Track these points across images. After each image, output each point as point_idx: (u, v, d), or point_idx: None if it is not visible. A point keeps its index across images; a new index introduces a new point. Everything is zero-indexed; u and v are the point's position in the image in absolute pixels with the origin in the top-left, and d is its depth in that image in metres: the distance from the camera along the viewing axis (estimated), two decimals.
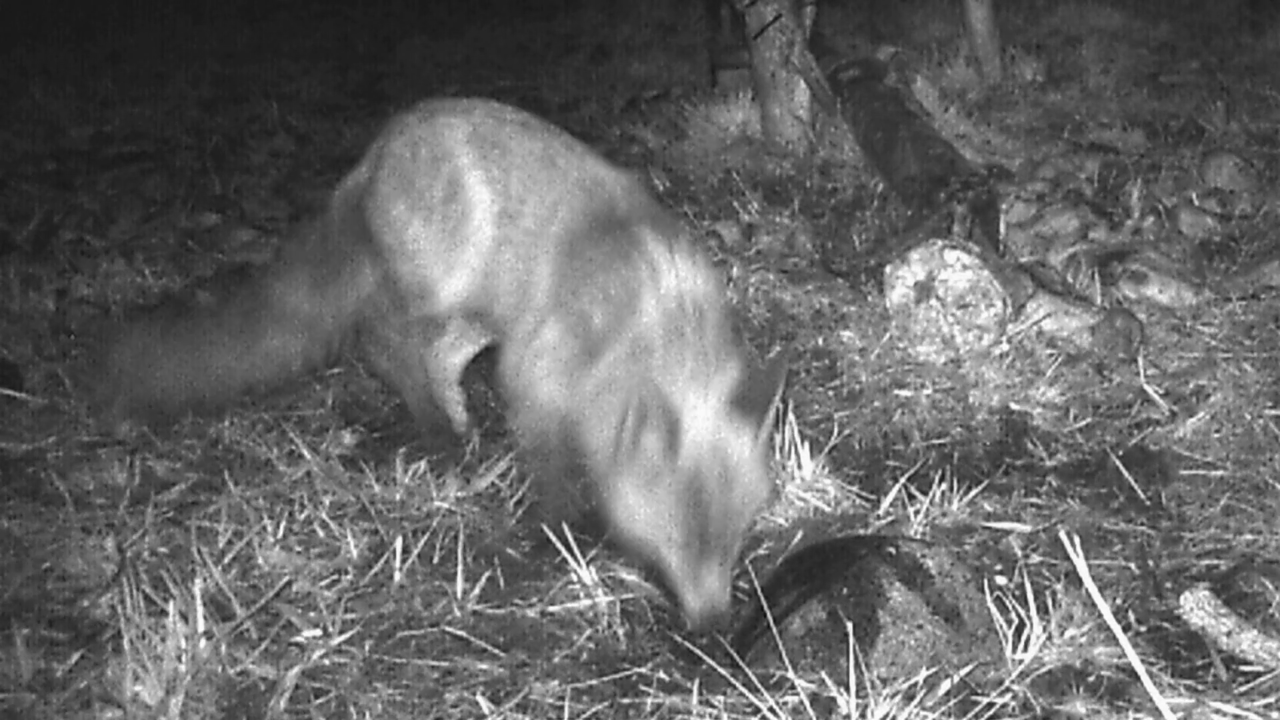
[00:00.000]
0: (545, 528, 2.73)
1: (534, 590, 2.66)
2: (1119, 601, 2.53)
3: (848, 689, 2.15)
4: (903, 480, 2.96)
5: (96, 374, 3.38)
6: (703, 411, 2.41)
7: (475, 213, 2.92)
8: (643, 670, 2.37)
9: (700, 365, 2.46)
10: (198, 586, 2.40)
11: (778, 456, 3.00)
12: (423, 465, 3.10)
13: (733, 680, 2.23)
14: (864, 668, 2.22)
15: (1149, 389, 3.40)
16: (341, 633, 2.46)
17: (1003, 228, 4.38)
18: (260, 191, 6.13)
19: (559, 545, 2.67)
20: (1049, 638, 2.33)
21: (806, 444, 3.01)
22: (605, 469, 2.48)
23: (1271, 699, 2.15)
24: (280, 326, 3.26)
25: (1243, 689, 2.20)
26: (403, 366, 3.23)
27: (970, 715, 2.13)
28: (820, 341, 3.82)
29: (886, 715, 2.12)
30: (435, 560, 2.77)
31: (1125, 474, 3.01)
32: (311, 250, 3.29)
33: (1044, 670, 2.28)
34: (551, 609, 2.59)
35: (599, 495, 2.54)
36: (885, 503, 2.91)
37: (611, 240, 2.67)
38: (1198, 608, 2.34)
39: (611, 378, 2.52)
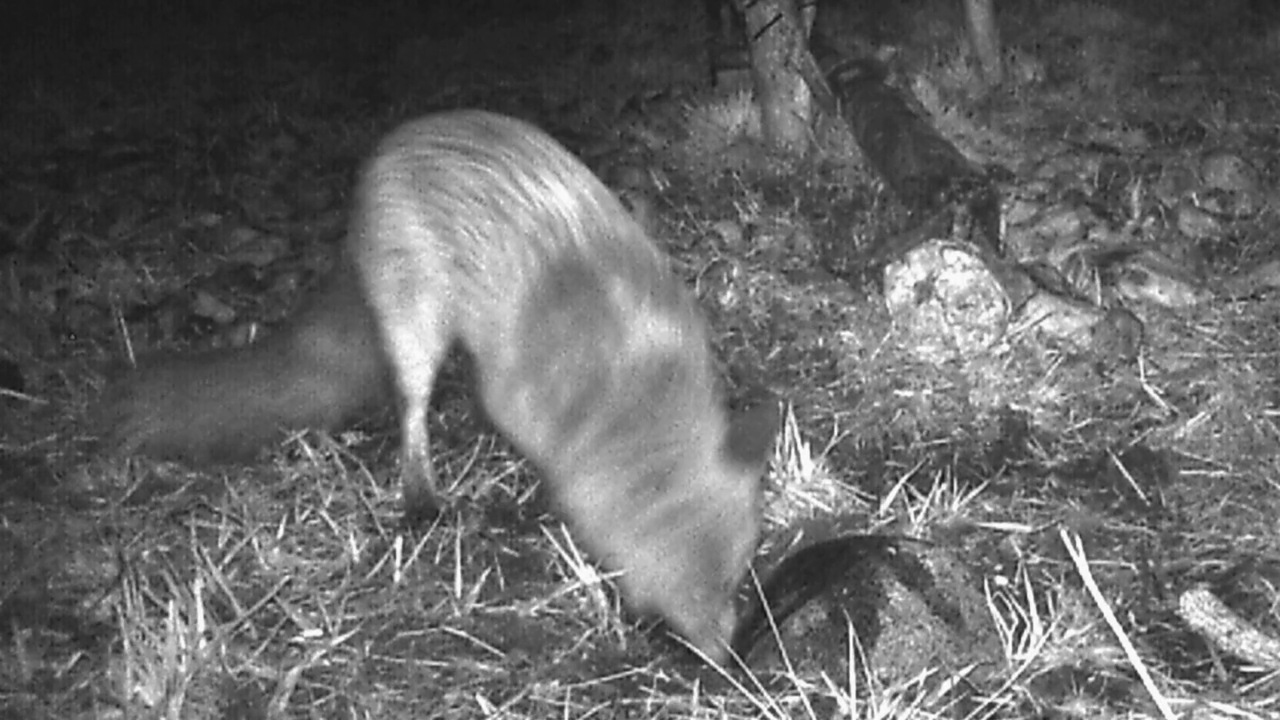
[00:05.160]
0: (544, 528, 2.73)
1: (534, 590, 2.66)
2: (1119, 602, 2.53)
3: (848, 689, 2.15)
4: (903, 480, 2.96)
5: (116, 407, 3.28)
6: (712, 470, 2.40)
7: (424, 256, 2.80)
8: (643, 670, 2.37)
9: (702, 425, 2.44)
10: (198, 587, 2.40)
11: (778, 457, 3.00)
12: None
13: (733, 680, 2.23)
14: (864, 668, 2.22)
15: (1149, 389, 3.40)
16: (341, 633, 2.46)
17: (1003, 228, 4.37)
18: (260, 191, 6.13)
19: (555, 542, 2.67)
20: (1049, 638, 2.33)
21: (806, 444, 3.01)
22: (611, 538, 2.45)
23: (1271, 699, 2.15)
24: (310, 370, 3.22)
25: (1243, 689, 2.20)
26: (401, 439, 3.08)
27: (971, 716, 2.13)
28: (820, 341, 3.82)
29: (887, 716, 2.12)
30: (435, 560, 2.77)
31: (1125, 474, 3.01)
32: (336, 296, 3.24)
33: (1044, 670, 2.28)
34: (551, 609, 2.60)
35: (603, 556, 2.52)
36: (885, 503, 2.91)
37: (575, 302, 2.53)
38: (1198, 608, 2.34)
39: (595, 451, 2.45)
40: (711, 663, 2.36)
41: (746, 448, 2.45)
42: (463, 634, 2.49)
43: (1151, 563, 2.66)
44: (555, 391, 2.52)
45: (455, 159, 2.78)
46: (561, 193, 2.67)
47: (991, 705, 2.15)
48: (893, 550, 2.42)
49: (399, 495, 3.06)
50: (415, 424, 3.02)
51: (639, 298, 2.51)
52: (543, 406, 2.55)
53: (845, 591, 2.34)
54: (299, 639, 2.46)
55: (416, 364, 2.95)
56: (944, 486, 2.90)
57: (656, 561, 2.39)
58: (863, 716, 2.13)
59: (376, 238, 2.89)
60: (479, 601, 2.60)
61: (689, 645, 2.41)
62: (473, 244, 2.70)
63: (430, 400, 3.13)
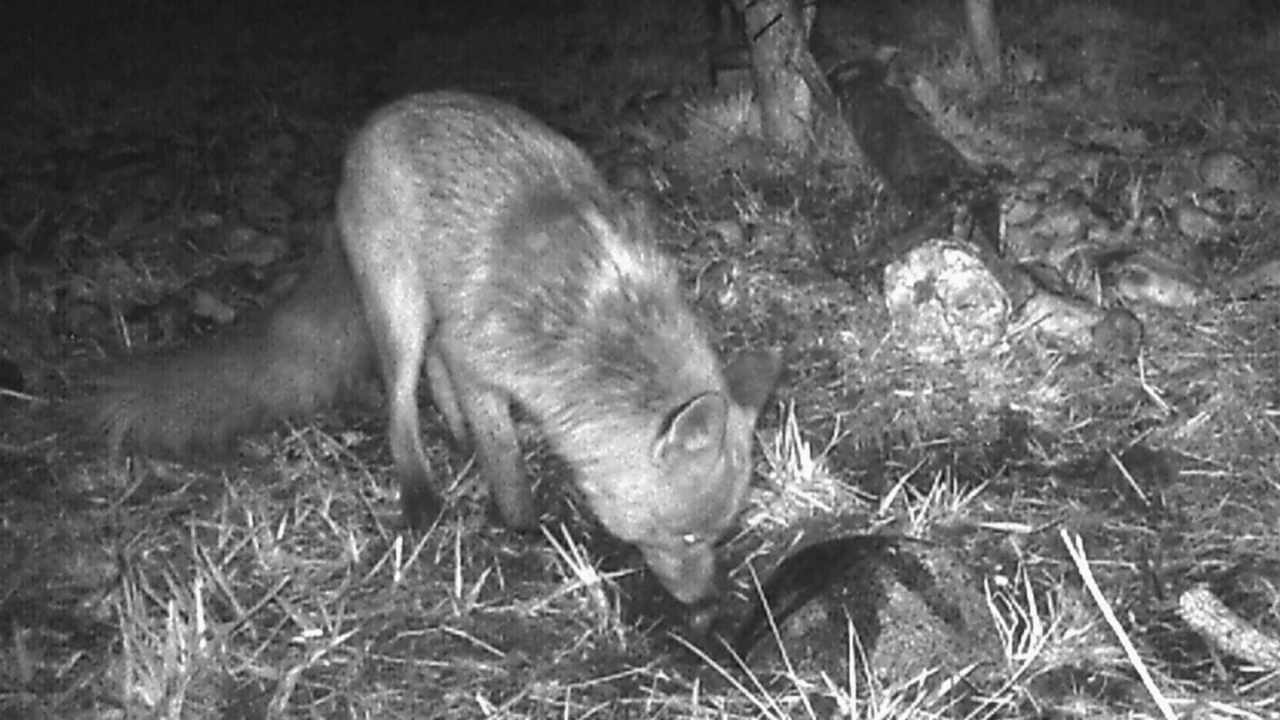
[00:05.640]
0: (544, 528, 2.74)
1: (534, 590, 2.66)
2: (1119, 602, 2.53)
3: (848, 689, 2.15)
4: (903, 480, 2.96)
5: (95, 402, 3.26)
6: (731, 414, 2.42)
7: (403, 200, 2.83)
8: (643, 670, 2.37)
9: (708, 372, 2.45)
10: (198, 587, 2.40)
11: (778, 456, 3.00)
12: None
13: (733, 680, 2.23)
14: (864, 668, 2.22)
15: (1149, 389, 3.40)
16: (341, 633, 2.46)
17: (1003, 228, 4.37)
18: (260, 191, 6.13)
19: (555, 542, 2.68)
20: (1049, 638, 2.33)
21: (806, 444, 3.01)
22: (632, 480, 2.44)
23: (1271, 699, 2.15)
24: (288, 354, 3.24)
25: (1243, 689, 2.20)
26: (389, 413, 3.09)
27: (971, 716, 2.13)
28: (820, 341, 3.82)
29: (887, 716, 2.12)
30: (435, 560, 2.77)
31: (1125, 474, 3.01)
32: (315, 282, 3.28)
33: (1044, 670, 2.28)
34: (551, 609, 2.60)
35: (596, 497, 2.52)
36: (885, 503, 2.91)
37: (552, 228, 2.56)
38: (1198, 608, 2.34)
39: (588, 394, 2.45)
40: (684, 601, 2.47)
41: (746, 390, 2.50)
42: (463, 634, 2.49)
43: (1151, 563, 2.66)
44: (536, 315, 2.52)
45: (449, 111, 2.86)
46: (549, 143, 2.77)
47: (991, 705, 2.15)
48: (893, 550, 2.42)
49: (399, 495, 3.06)
50: (405, 394, 3.02)
51: (614, 230, 2.56)
52: (519, 330, 2.55)
53: (845, 591, 2.34)
54: (299, 639, 2.46)
55: (408, 318, 2.94)
56: (944, 486, 2.90)
57: (674, 501, 2.40)
58: (863, 716, 2.13)
59: (367, 204, 2.92)
60: (479, 601, 2.60)
61: (688, 639, 2.42)
62: (454, 171, 2.75)
63: (428, 401, 3.14)
